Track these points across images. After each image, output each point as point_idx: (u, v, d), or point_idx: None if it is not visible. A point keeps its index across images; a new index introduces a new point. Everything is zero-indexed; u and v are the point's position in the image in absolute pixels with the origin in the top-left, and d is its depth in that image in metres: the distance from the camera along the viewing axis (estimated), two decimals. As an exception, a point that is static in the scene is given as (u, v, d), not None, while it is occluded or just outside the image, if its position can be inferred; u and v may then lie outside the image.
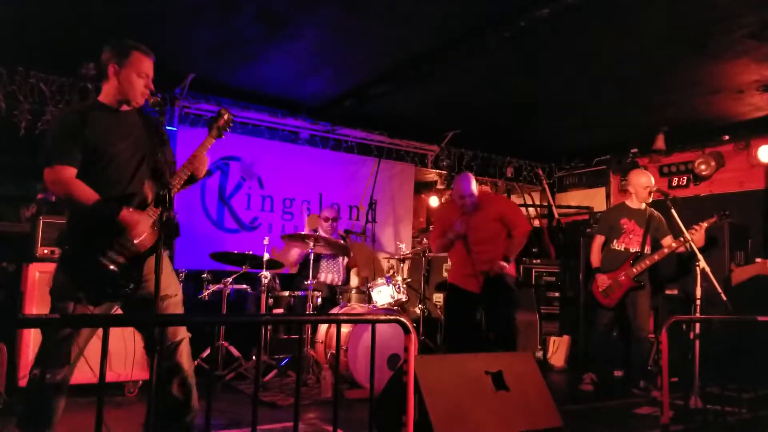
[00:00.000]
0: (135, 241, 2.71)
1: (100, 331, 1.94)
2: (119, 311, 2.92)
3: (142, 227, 2.72)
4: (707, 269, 4.68)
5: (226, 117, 3.02)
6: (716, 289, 4.64)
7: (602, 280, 5.25)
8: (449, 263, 6.96)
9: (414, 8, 4.21)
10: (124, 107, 2.89)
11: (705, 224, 4.92)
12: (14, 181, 5.27)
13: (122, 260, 2.71)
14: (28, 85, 5.18)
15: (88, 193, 2.68)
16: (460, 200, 4.82)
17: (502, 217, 4.83)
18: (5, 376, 4.13)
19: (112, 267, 2.67)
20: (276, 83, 5.84)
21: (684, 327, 4.57)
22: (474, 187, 4.80)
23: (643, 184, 5.26)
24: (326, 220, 6.05)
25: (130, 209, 2.72)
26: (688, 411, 4.02)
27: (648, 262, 5.12)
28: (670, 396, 3.51)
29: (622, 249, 5.27)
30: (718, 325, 5.01)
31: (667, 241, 5.14)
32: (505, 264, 4.65)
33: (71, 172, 2.71)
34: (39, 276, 4.31)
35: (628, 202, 5.41)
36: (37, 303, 4.28)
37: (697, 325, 4.60)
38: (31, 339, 4.19)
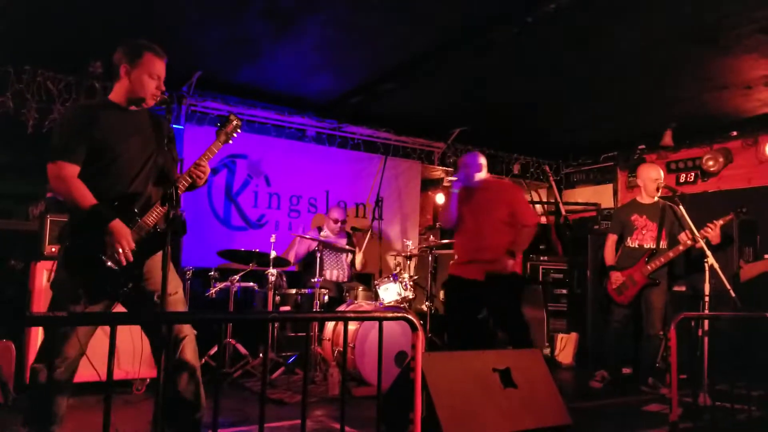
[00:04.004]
0: (109, 252, 2.67)
1: (107, 328, 1.94)
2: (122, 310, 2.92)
3: (125, 243, 2.68)
4: (716, 266, 4.65)
5: (234, 123, 3.01)
6: (725, 285, 4.62)
7: (616, 277, 5.24)
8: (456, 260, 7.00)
9: (420, 5, 4.20)
10: (134, 107, 2.89)
11: (720, 222, 4.87)
12: (22, 179, 5.29)
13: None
14: (36, 84, 5.21)
15: (86, 196, 2.68)
16: (464, 169, 4.70)
17: (511, 204, 4.58)
18: (14, 373, 4.15)
19: (111, 264, 2.67)
20: (282, 81, 5.83)
21: (693, 324, 4.55)
22: (483, 160, 4.73)
23: (651, 177, 5.24)
24: (335, 221, 6.06)
25: (123, 225, 2.69)
26: (696, 408, 3.99)
27: (663, 260, 5.08)
28: (678, 393, 3.49)
29: (637, 246, 5.24)
30: (727, 322, 4.98)
31: (683, 237, 5.08)
32: (510, 261, 4.40)
33: (73, 169, 2.72)
34: (47, 274, 4.32)
35: (638, 198, 5.40)
36: (45, 301, 4.27)
37: (706, 322, 4.58)
38: (39, 337, 4.20)
